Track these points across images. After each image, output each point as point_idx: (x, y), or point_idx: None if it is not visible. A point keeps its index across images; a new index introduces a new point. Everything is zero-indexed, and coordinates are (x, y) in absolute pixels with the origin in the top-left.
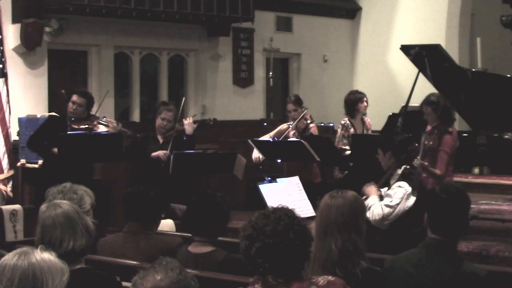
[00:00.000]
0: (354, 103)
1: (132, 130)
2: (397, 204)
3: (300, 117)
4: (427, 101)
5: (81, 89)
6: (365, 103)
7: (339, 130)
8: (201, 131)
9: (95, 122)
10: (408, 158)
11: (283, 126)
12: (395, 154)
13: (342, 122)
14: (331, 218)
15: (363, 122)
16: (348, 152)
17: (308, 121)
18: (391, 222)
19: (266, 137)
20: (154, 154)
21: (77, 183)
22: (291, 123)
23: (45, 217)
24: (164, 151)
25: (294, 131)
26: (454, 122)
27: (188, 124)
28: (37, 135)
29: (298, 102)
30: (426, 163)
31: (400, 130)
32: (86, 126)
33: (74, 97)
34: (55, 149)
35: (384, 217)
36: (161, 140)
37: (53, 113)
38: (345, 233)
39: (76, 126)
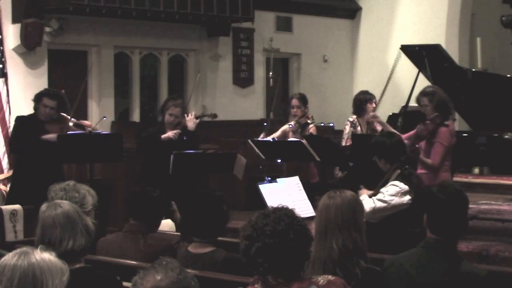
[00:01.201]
0: (362, 103)
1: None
2: (391, 200)
3: (303, 114)
4: (423, 92)
5: (51, 90)
6: (373, 104)
7: (347, 127)
8: (202, 131)
9: (71, 124)
10: (408, 159)
11: (286, 126)
12: (389, 161)
13: (351, 119)
14: (331, 217)
15: (368, 124)
16: None
17: (309, 121)
18: (387, 220)
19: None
20: (164, 136)
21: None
22: (292, 123)
23: (45, 216)
24: (175, 131)
25: (297, 125)
26: (450, 116)
27: (190, 120)
28: (14, 140)
29: (303, 100)
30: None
31: (399, 130)
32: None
33: (45, 101)
34: (47, 136)
35: (376, 210)
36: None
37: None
38: (345, 231)
39: (49, 127)
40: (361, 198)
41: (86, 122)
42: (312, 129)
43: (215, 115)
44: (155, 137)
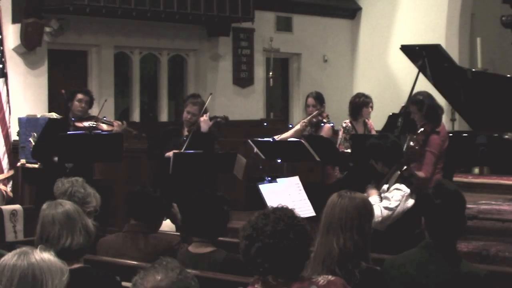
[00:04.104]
0: (359, 107)
1: (136, 129)
2: (396, 206)
3: (315, 113)
4: (412, 100)
5: (82, 87)
6: (370, 109)
7: (340, 133)
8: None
9: (98, 122)
10: (407, 160)
11: (298, 126)
12: (387, 164)
13: (344, 124)
14: (335, 216)
15: (365, 124)
16: None
17: (325, 120)
18: (389, 224)
19: (283, 136)
20: (167, 154)
21: None
22: (305, 121)
23: (45, 214)
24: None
25: (307, 125)
26: (441, 122)
27: (203, 121)
28: (40, 143)
29: (319, 98)
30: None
31: (399, 130)
32: (91, 124)
33: (80, 95)
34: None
35: (383, 220)
36: (186, 133)
37: (54, 115)
38: (348, 233)
39: (80, 125)
40: (371, 199)
41: (115, 122)
42: (327, 128)
43: (226, 118)
44: (159, 153)
